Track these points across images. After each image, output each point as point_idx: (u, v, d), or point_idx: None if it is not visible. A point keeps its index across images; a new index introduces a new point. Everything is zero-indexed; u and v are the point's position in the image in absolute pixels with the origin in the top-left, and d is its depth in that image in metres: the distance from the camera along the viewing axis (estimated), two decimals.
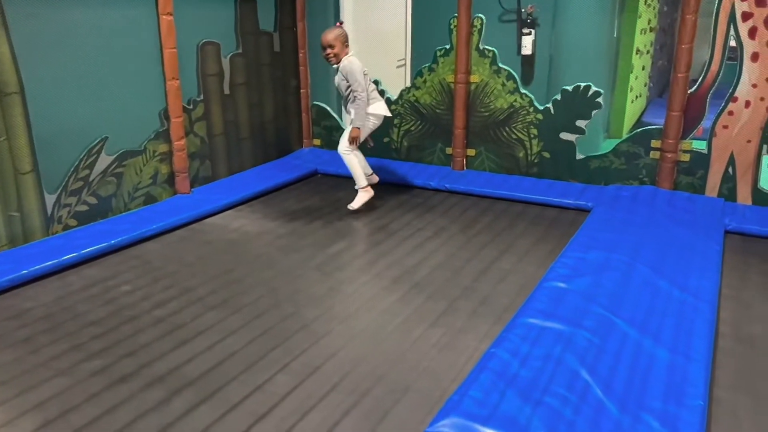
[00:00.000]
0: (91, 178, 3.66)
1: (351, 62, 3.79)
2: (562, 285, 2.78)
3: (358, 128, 3.81)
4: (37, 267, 3.02)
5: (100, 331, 2.54)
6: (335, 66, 3.88)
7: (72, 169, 3.55)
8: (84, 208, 3.65)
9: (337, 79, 3.89)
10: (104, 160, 3.72)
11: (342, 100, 4.04)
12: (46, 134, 3.37)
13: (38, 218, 3.41)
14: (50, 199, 3.46)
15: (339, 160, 4.93)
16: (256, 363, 2.32)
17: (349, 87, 3.80)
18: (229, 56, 4.53)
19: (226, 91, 4.57)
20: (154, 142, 4.04)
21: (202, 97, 4.36)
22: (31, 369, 2.29)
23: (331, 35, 3.77)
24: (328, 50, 3.78)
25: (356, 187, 3.99)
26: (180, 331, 2.54)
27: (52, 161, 3.44)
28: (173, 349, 2.41)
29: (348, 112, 3.95)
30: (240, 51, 4.62)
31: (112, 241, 3.36)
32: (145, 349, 2.41)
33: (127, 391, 2.16)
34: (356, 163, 3.91)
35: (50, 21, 3.33)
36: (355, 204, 3.97)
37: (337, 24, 3.96)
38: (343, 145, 3.91)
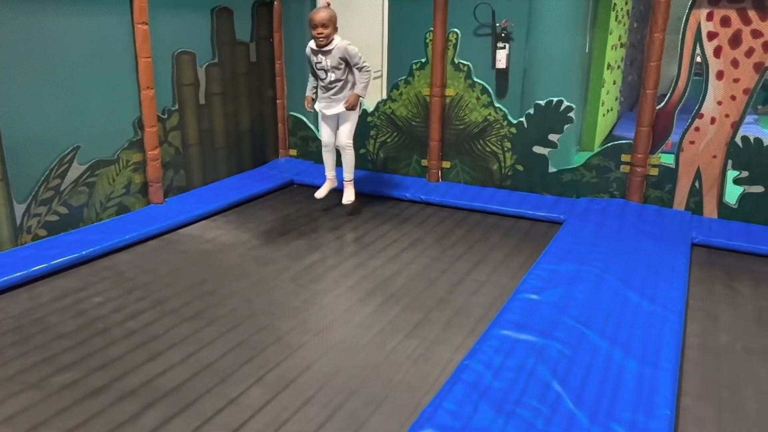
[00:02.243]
0: (62, 188, 3.61)
1: (345, 42, 3.67)
2: (534, 297, 2.83)
3: (360, 96, 3.77)
4: (6, 278, 2.96)
5: (70, 344, 2.50)
6: (317, 48, 3.66)
7: (42, 178, 3.49)
8: (54, 218, 3.59)
9: (327, 62, 3.66)
10: (76, 170, 3.67)
11: (325, 85, 3.76)
12: (16, 143, 3.31)
13: (7, 228, 3.34)
14: (19, 209, 3.39)
15: (316, 171, 4.95)
16: (230, 375, 2.31)
17: (342, 70, 3.64)
18: (204, 66, 4.52)
19: (202, 100, 4.55)
20: (127, 152, 3.99)
21: (177, 106, 4.33)
22: (0, 382, 2.25)
23: (325, 14, 3.60)
24: (321, 29, 3.59)
25: (349, 179, 3.91)
26: (153, 343, 2.52)
27: (22, 170, 3.38)
28: (146, 362, 2.38)
29: (336, 95, 3.74)
30: (216, 61, 4.61)
31: (83, 252, 3.31)
32: (117, 362, 2.38)
33: (99, 404, 2.13)
34: (354, 158, 3.86)
35: (23, 28, 3.28)
36: (351, 196, 3.90)
37: (326, 4, 3.77)
38: (348, 138, 3.80)
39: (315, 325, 2.72)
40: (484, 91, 4.55)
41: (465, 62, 4.55)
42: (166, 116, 4.25)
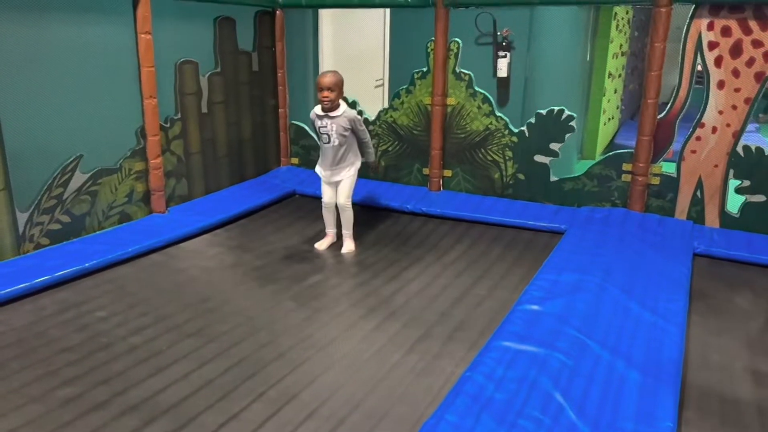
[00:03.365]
0: (64, 197, 3.62)
1: (352, 111, 3.69)
2: (536, 307, 2.83)
3: (373, 160, 3.89)
4: (9, 290, 2.97)
5: (73, 358, 2.50)
6: (322, 113, 3.64)
7: (45, 187, 3.50)
8: (57, 226, 3.60)
9: (333, 127, 3.63)
10: (79, 178, 3.68)
11: (327, 149, 3.72)
12: (19, 152, 3.33)
13: (9, 236, 3.35)
14: (22, 218, 3.40)
15: (317, 181, 4.94)
16: (232, 391, 2.31)
17: (346, 137, 3.64)
18: (207, 75, 4.54)
19: (204, 109, 4.56)
20: (130, 160, 4.01)
21: (179, 115, 4.35)
22: (1, 395, 2.24)
23: (333, 79, 3.57)
24: (327, 93, 3.56)
25: (348, 233, 3.87)
26: (155, 359, 2.51)
27: (25, 179, 3.39)
28: (148, 377, 2.38)
29: (339, 161, 3.71)
30: (218, 70, 4.63)
31: (86, 264, 3.31)
32: (119, 377, 2.38)
33: (101, 419, 2.13)
34: (352, 216, 3.85)
35: (27, 38, 3.30)
36: (351, 247, 3.86)
37: (333, 71, 3.75)
38: (348, 199, 3.79)
39: (317, 342, 2.71)
40: (485, 100, 4.56)
41: (466, 71, 4.56)
42: (168, 125, 4.27)
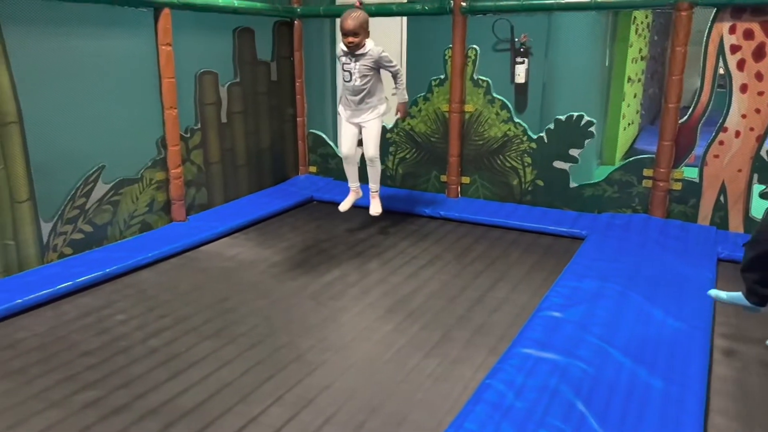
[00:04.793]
0: (87, 207, 3.67)
1: (378, 48, 3.53)
2: (556, 314, 2.80)
3: (405, 102, 3.69)
4: (32, 296, 3.01)
5: (94, 362, 2.53)
6: (347, 54, 3.50)
7: (68, 197, 3.56)
8: (79, 236, 3.66)
9: (357, 67, 3.49)
10: (101, 188, 3.74)
11: (348, 87, 3.61)
12: (43, 163, 3.39)
13: (34, 246, 3.41)
14: (46, 228, 3.46)
15: (335, 188, 4.97)
16: (250, 394, 2.31)
17: (369, 77, 3.51)
18: (227, 85, 4.59)
19: (224, 119, 4.62)
20: (151, 170, 4.06)
21: (199, 125, 4.40)
22: (24, 400, 2.27)
23: (355, 22, 3.40)
24: (351, 38, 3.41)
25: (376, 189, 3.81)
26: (174, 362, 2.53)
27: (49, 190, 3.45)
28: (167, 380, 2.39)
29: (360, 102, 3.60)
30: (238, 80, 4.68)
31: (107, 270, 3.35)
32: (139, 380, 2.39)
33: (121, 423, 2.14)
34: (380, 170, 3.76)
35: (50, 51, 3.37)
36: (379, 207, 3.80)
37: (357, 4, 3.62)
38: (376, 151, 3.68)
39: (334, 343, 2.71)
40: (503, 106, 4.55)
41: (484, 78, 4.56)
42: (188, 135, 4.32)
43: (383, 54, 3.55)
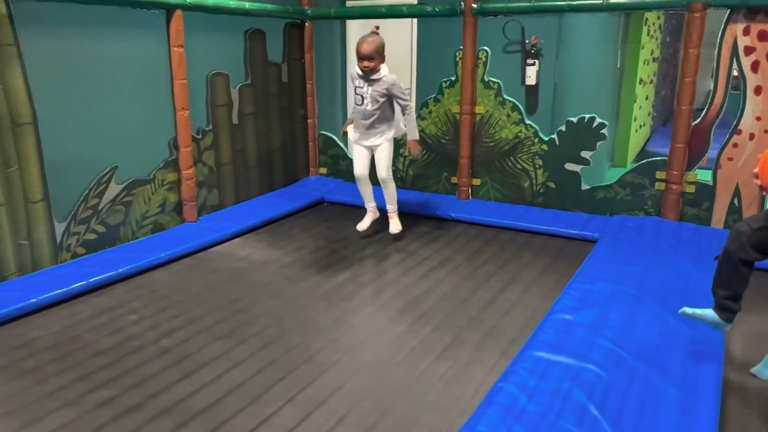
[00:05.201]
0: (100, 207, 3.70)
1: (392, 76, 3.52)
2: (568, 317, 2.78)
3: (417, 140, 3.61)
4: (46, 296, 3.04)
5: (107, 361, 2.54)
6: (360, 77, 3.50)
7: (82, 197, 3.59)
8: (92, 236, 3.68)
9: (369, 91, 3.50)
10: (113, 189, 3.77)
11: (359, 111, 3.60)
12: (57, 164, 3.42)
13: (47, 246, 3.44)
14: (60, 228, 3.49)
15: (345, 189, 4.98)
16: (262, 395, 2.32)
17: (381, 102, 3.51)
18: (238, 87, 4.61)
19: (235, 120, 4.63)
20: (163, 171, 4.08)
21: (211, 126, 4.42)
22: (38, 399, 2.29)
23: (371, 46, 3.42)
24: (366, 63, 3.42)
25: (393, 210, 3.79)
26: (186, 362, 2.54)
27: (63, 190, 3.48)
28: (180, 380, 2.41)
29: (371, 126, 3.59)
30: (249, 82, 4.70)
31: (120, 270, 3.38)
32: (151, 380, 2.41)
33: (134, 422, 2.15)
34: (395, 189, 3.74)
35: (64, 53, 3.40)
36: (399, 226, 3.79)
37: (374, 29, 3.61)
38: (388, 172, 3.67)
39: (346, 344, 2.71)
40: (514, 108, 4.53)
41: (495, 80, 4.55)
42: (200, 136, 4.34)
43: (397, 83, 3.54)
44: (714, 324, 2.38)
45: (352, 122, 3.80)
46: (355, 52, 3.51)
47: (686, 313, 2.42)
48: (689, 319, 2.45)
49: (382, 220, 4.02)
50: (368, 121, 3.57)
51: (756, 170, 2.33)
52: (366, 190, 3.80)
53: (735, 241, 2.31)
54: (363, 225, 3.75)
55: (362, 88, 3.55)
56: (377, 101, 3.51)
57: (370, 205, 3.82)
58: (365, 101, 3.54)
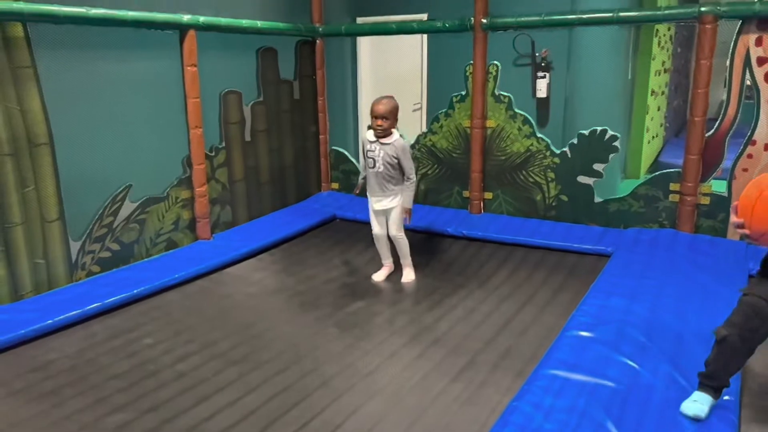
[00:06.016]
0: (114, 225, 3.73)
1: (402, 141, 3.61)
2: (584, 334, 2.76)
3: (409, 209, 3.69)
4: (62, 317, 3.06)
5: (123, 385, 2.55)
6: (374, 139, 3.60)
7: (97, 216, 3.63)
8: (107, 254, 3.71)
9: (381, 155, 3.58)
10: (128, 207, 3.80)
11: (371, 174, 3.66)
12: (72, 183, 3.46)
13: (63, 265, 3.47)
14: (75, 246, 3.53)
15: (357, 205, 4.99)
16: (276, 420, 2.31)
17: (392, 165, 3.58)
18: (250, 104, 4.64)
19: (247, 137, 4.67)
20: (176, 189, 4.11)
21: (224, 144, 4.46)
22: (56, 422, 2.30)
23: (386, 107, 3.52)
24: (380, 121, 3.52)
25: (406, 262, 3.83)
26: (201, 387, 2.54)
27: (78, 209, 3.52)
28: (195, 405, 2.41)
29: (382, 189, 3.65)
30: (261, 99, 4.73)
31: (134, 291, 3.39)
32: (167, 404, 2.41)
33: None
34: (407, 245, 3.80)
35: (79, 74, 3.45)
36: (412, 275, 3.82)
37: (389, 96, 3.68)
38: (399, 230, 3.72)
39: (360, 370, 2.69)
40: (525, 121, 4.53)
41: (506, 93, 4.54)
42: (213, 154, 4.37)
43: (407, 149, 3.62)
44: (692, 417, 2.15)
45: (361, 185, 3.89)
46: (370, 112, 3.63)
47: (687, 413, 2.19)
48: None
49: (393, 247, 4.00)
50: (381, 184, 3.67)
51: (737, 219, 2.04)
52: (383, 249, 3.88)
53: (754, 318, 2.12)
54: (379, 277, 3.86)
55: (374, 151, 3.63)
56: (389, 164, 3.60)
57: (387, 261, 3.91)
58: (377, 164, 3.62)
